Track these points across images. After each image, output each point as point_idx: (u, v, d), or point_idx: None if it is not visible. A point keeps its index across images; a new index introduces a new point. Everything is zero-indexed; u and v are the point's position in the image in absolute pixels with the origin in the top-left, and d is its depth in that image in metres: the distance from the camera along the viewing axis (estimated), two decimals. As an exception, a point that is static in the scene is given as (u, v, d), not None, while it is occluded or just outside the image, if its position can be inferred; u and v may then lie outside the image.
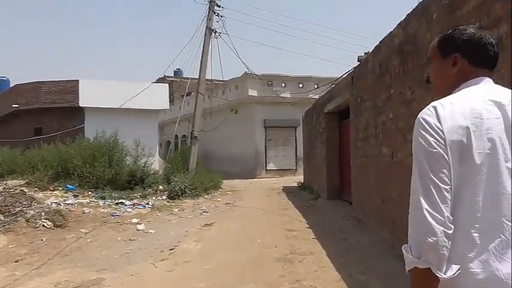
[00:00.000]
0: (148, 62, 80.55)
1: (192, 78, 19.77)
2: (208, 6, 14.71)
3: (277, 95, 20.75)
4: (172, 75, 35.37)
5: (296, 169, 21.86)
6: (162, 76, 36.81)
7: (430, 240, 1.19)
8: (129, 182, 14.30)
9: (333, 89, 10.82)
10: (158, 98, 22.36)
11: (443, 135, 1.24)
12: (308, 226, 8.06)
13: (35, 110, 20.10)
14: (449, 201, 1.23)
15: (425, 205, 1.22)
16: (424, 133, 1.27)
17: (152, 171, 15.11)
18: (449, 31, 1.46)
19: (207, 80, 19.81)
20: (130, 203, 10.86)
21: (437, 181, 1.23)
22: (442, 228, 1.19)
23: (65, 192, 12.03)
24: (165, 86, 23.51)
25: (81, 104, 20.06)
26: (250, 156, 21.67)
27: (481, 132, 1.25)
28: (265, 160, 21.58)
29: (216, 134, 24.91)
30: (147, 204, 11.00)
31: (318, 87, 21.18)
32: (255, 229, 7.92)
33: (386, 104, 6.22)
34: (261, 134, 21.57)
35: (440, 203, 1.21)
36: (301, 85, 21.41)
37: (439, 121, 1.26)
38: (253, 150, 21.55)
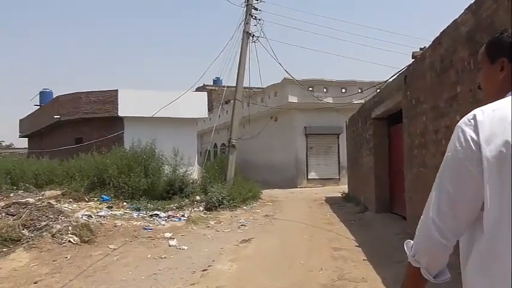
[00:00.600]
0: (188, 71, 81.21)
1: (230, 87, 19.33)
2: (245, 9, 14.15)
3: (318, 101, 19.85)
4: (212, 83, 35.23)
5: (339, 178, 20.82)
6: (202, 85, 36.94)
7: (426, 245, 1.28)
8: (168, 191, 13.97)
9: (381, 92, 9.89)
10: (197, 106, 22.12)
11: (479, 147, 1.18)
12: (357, 244, 7.16)
13: (76, 120, 20.30)
14: (462, 217, 1.23)
15: (434, 213, 1.26)
16: (457, 144, 1.24)
17: (191, 181, 14.68)
18: (498, 34, 1.40)
19: (245, 87, 19.36)
20: (164, 215, 10.34)
21: (453, 194, 1.23)
22: (441, 239, 1.24)
23: (99, 203, 11.72)
24: (204, 94, 23.23)
25: (120, 114, 20.05)
26: (291, 164, 20.86)
27: None
28: (307, 169, 20.69)
29: (255, 142, 24.28)
30: (183, 216, 10.44)
31: (361, 92, 20.12)
32: (297, 247, 7.12)
33: (451, 104, 5.29)
34: (301, 142, 20.73)
35: (450, 216, 1.23)
36: (343, 90, 20.41)
37: (477, 131, 1.20)
38: (293, 159, 20.74)
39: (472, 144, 1.19)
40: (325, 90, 20.24)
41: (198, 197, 12.62)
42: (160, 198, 13.08)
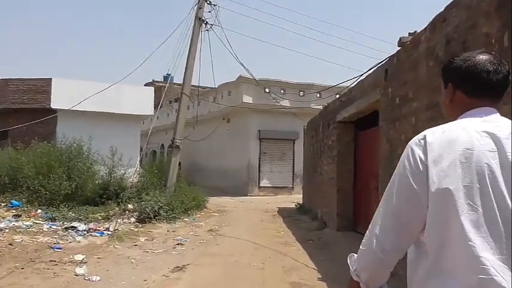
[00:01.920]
0: (136, 66, 76.20)
1: (181, 84, 17.57)
2: (198, -8, 12.44)
3: (275, 103, 18.45)
4: (162, 80, 33.02)
5: (293, 187, 19.49)
6: (151, 81, 34.61)
7: (367, 259, 1.31)
8: (101, 196, 12.02)
9: (350, 92, 8.52)
10: (142, 102, 20.15)
11: (426, 168, 1.22)
12: (320, 277, 5.66)
13: (1, 110, 17.75)
14: (405, 233, 1.26)
15: (378, 229, 1.28)
16: (406, 163, 1.27)
17: (130, 185, 12.73)
18: (449, 59, 1.44)
19: (196, 86, 17.67)
20: (84, 228, 8.37)
21: (398, 212, 1.26)
22: (381, 255, 1.27)
23: (6, 210, 9.56)
24: (150, 90, 21.21)
25: (53, 106, 17.73)
26: (242, 170, 19.27)
27: (469, 164, 1.20)
28: (259, 176, 19.17)
29: (205, 144, 22.53)
30: (107, 229, 8.53)
31: (320, 97, 18.97)
32: (245, 281, 5.49)
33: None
34: (255, 146, 19.21)
35: (392, 232, 1.26)
36: (301, 93, 19.13)
37: (425, 151, 1.24)
38: (245, 164, 19.16)
39: (419, 164, 1.24)
40: (282, 91, 18.86)
41: (130, 206, 10.70)
42: (92, 204, 11.27)
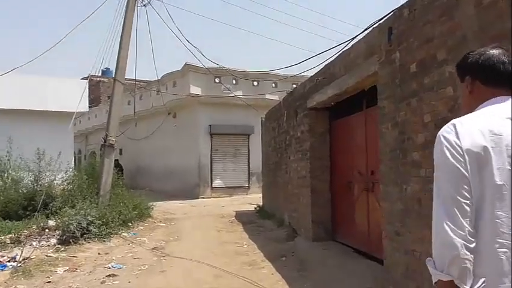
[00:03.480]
0: (73, 59, 69.16)
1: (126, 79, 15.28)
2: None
3: (226, 95, 16.59)
4: (100, 74, 30.07)
5: (249, 187, 17.76)
6: (87, 76, 31.52)
7: (451, 253, 1.24)
8: (26, 208, 9.81)
9: (327, 70, 6.85)
10: (73, 98, 17.49)
11: (463, 152, 1.29)
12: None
13: None
14: (470, 215, 1.26)
15: (446, 219, 1.26)
16: (444, 150, 1.32)
17: (60, 193, 10.47)
18: (463, 56, 1.55)
19: (137, 80, 15.48)
20: (-22, 259, 6.12)
21: (457, 196, 1.27)
22: (462, 241, 1.23)
23: None
24: (82, 83, 18.48)
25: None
26: (192, 170, 17.25)
27: (500, 148, 1.29)
28: (211, 176, 17.24)
29: (149, 143, 20.30)
30: (13, 259, 6.33)
31: (276, 87, 17.37)
32: None
33: None
34: (205, 143, 17.24)
35: (460, 217, 1.25)
36: (256, 83, 17.41)
37: (458, 138, 1.30)
38: (195, 164, 17.16)
39: (458, 148, 1.30)
40: (234, 82, 17.02)
41: (51, 222, 8.45)
42: (15, 218, 9.34)
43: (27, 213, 9.67)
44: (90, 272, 6.02)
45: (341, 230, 7.24)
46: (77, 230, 7.63)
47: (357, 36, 5.64)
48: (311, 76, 7.58)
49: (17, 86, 15.16)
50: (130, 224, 9.71)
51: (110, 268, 6.17)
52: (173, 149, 18.65)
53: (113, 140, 9.94)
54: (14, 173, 11.22)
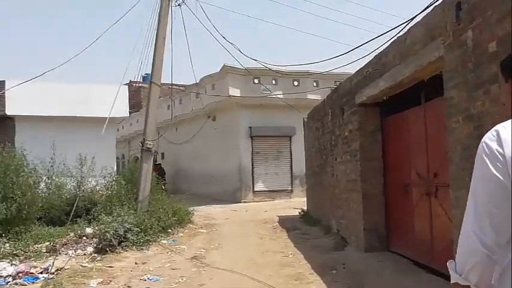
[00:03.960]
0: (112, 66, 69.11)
1: (164, 84, 15.19)
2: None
3: (266, 96, 16.07)
4: (141, 80, 30.38)
5: (292, 190, 17.09)
6: (128, 82, 32.02)
7: (472, 260, 1.22)
8: (68, 213, 9.77)
9: (378, 60, 6.15)
10: (115, 104, 17.50)
11: (505, 160, 1.21)
12: None
13: None
14: (503, 228, 1.21)
15: (475, 227, 1.23)
16: (484, 157, 1.25)
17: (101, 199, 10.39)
18: (509, 54, 1.42)
19: (171, 84, 15.29)
20: (12, 271, 5.87)
21: (491, 206, 1.21)
22: (486, 251, 1.20)
23: None
24: (123, 89, 18.44)
25: (8, 112, 15.22)
26: (233, 174, 16.82)
27: None
28: (252, 179, 16.73)
29: (189, 147, 20.10)
30: (46, 270, 6.05)
31: (317, 86, 16.66)
32: None
33: None
34: (246, 146, 16.77)
35: (490, 228, 1.20)
36: (296, 83, 16.78)
37: (501, 146, 1.23)
38: (236, 167, 16.73)
39: (499, 156, 1.22)
40: (274, 82, 16.47)
41: (88, 229, 8.21)
42: (58, 224, 9.33)
43: (70, 218, 9.80)
44: (125, 284, 5.63)
45: (397, 239, 6.50)
46: (114, 238, 7.32)
47: (414, 18, 4.93)
48: (359, 68, 6.89)
49: (60, 94, 15.34)
50: (170, 231, 9.36)
51: (145, 281, 5.76)
52: (213, 153, 18.32)
53: (150, 144, 9.64)
54: (57, 179, 11.27)
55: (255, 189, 16.75)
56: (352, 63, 10.34)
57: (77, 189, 11.18)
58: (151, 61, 9.98)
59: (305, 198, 12.68)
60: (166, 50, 10.08)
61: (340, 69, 10.26)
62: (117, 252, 7.33)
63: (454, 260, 1.31)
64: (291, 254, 7.25)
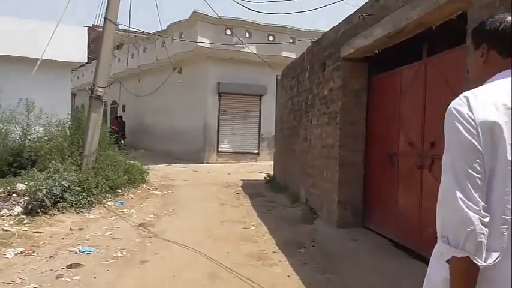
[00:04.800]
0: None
1: (127, 31, 13.61)
2: None
3: (238, 50, 14.82)
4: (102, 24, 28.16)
5: (258, 153, 16.25)
6: (91, 26, 29.66)
7: (467, 229, 1.17)
8: (11, 164, 8.81)
9: (374, 3, 5.11)
10: (71, 47, 15.77)
11: (476, 125, 1.20)
12: None
13: None
14: (483, 190, 1.20)
15: (459, 195, 1.19)
16: (456, 123, 1.23)
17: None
18: (481, 21, 1.41)
19: (135, 32, 13.70)
20: None
21: (470, 171, 1.19)
22: (478, 216, 1.17)
23: None
24: (82, 30, 16.67)
25: None
26: (198, 132, 15.73)
27: None
28: (218, 139, 15.71)
29: (153, 100, 18.81)
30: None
31: (293, 42, 15.52)
32: None
33: None
34: (213, 103, 15.62)
35: (474, 193, 1.19)
36: (271, 37, 15.55)
37: (471, 111, 1.21)
38: (201, 125, 15.62)
39: (470, 120, 1.20)
40: (247, 35, 15.18)
41: (20, 185, 7.03)
42: (1, 175, 8.43)
43: (13, 169, 8.68)
44: (50, 257, 4.59)
45: (375, 216, 5.71)
46: (47, 198, 6.19)
47: None
48: (349, 15, 5.83)
49: (6, 30, 13.58)
50: (119, 191, 8.33)
51: (76, 253, 4.73)
52: (178, 108, 17.08)
53: (101, 91, 8.37)
54: (1, 125, 10.02)
55: (220, 149, 15.78)
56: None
57: (22, 138, 10.05)
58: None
59: (272, 162, 11.83)
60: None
61: (319, 27, 9.21)
62: (50, 215, 6.23)
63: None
64: (254, 225, 6.37)
